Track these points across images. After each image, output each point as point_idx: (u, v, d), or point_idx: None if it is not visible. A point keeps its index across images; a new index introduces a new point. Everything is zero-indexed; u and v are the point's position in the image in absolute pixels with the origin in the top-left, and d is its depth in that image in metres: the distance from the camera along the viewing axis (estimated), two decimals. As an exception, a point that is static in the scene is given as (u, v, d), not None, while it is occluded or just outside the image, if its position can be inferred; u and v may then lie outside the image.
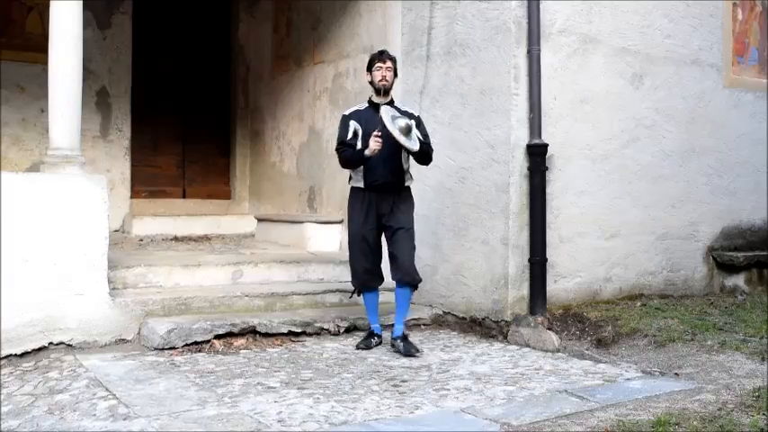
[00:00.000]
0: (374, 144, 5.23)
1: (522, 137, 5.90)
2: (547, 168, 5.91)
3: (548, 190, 5.93)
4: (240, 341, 5.42)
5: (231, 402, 4.06)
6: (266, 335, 5.56)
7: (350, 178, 5.56)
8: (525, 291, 5.88)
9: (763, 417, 3.76)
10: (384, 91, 5.48)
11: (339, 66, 7.93)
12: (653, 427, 3.63)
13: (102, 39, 9.02)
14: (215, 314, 5.69)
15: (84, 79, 5.81)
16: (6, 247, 5.02)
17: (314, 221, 7.65)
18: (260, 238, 8.53)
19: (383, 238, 5.54)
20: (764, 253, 7.30)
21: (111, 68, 9.12)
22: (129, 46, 9.23)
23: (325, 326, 5.80)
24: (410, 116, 5.43)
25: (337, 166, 7.72)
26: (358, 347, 5.39)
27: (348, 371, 4.77)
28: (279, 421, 3.76)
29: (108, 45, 9.08)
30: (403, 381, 4.60)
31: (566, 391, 4.38)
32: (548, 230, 5.91)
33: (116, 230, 8.76)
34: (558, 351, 5.42)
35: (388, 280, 5.56)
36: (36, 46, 8.09)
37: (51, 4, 5.45)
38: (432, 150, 5.51)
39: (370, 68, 5.55)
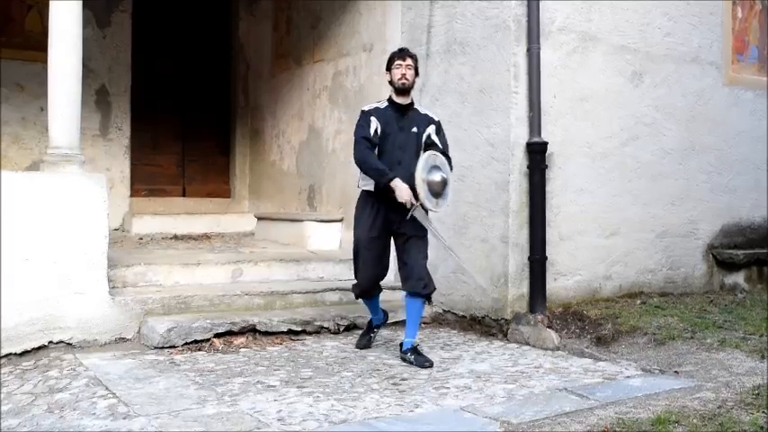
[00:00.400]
0: (404, 197, 4.89)
1: (521, 135, 5.90)
2: (546, 166, 5.91)
3: (547, 188, 5.93)
4: (240, 340, 5.43)
5: (231, 401, 4.06)
6: (266, 333, 5.56)
7: (359, 179, 5.23)
8: (525, 289, 5.88)
9: (763, 414, 3.76)
10: (404, 90, 5.15)
11: (339, 64, 7.92)
12: (653, 425, 3.63)
13: (101, 37, 9.02)
14: (215, 313, 5.69)
15: (84, 78, 5.80)
16: (6, 246, 5.02)
17: (314, 220, 7.65)
18: (260, 236, 8.53)
19: (392, 247, 5.25)
20: (764, 251, 7.30)
21: (111, 67, 9.12)
22: (128, 44, 9.23)
23: (325, 324, 5.80)
24: (430, 121, 5.19)
25: (337, 165, 7.77)
26: (358, 347, 5.35)
27: (348, 369, 4.78)
28: (279, 420, 3.77)
29: (108, 44, 9.08)
30: (403, 379, 4.61)
31: (565, 389, 4.38)
32: (547, 228, 5.91)
33: (116, 229, 8.77)
34: (558, 349, 5.42)
35: (389, 278, 5.54)
36: (36, 44, 8.08)
37: (51, 2, 5.44)
38: (451, 160, 5.22)
39: (389, 67, 5.22)
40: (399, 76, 5.14)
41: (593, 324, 5.70)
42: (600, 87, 6.35)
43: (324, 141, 8.14)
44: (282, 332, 5.62)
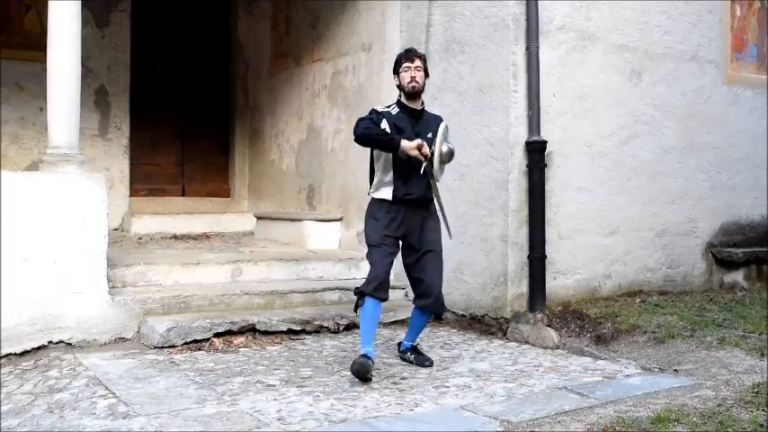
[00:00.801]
0: (415, 154, 4.61)
1: (520, 134, 5.90)
2: (546, 165, 5.91)
3: (547, 187, 5.93)
4: (240, 339, 5.42)
5: (231, 400, 4.06)
6: (266, 333, 5.56)
7: (370, 186, 4.92)
8: (524, 288, 5.88)
9: (763, 413, 3.77)
10: (415, 94, 4.83)
11: (338, 63, 7.92)
12: (652, 423, 3.63)
13: (100, 37, 9.02)
14: (214, 312, 5.69)
15: (83, 78, 5.80)
16: (6, 246, 5.02)
17: (313, 219, 7.65)
18: (259, 236, 8.53)
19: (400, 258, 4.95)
20: (764, 249, 7.31)
21: (110, 67, 9.12)
22: (127, 44, 9.23)
23: (325, 324, 5.80)
24: (439, 121, 4.91)
25: (336, 164, 7.77)
26: (357, 372, 4.45)
27: (348, 369, 4.76)
28: (278, 419, 3.77)
29: (107, 43, 9.08)
30: (402, 378, 4.61)
31: (565, 387, 4.38)
32: (547, 227, 5.91)
33: (115, 229, 8.77)
34: (558, 348, 5.42)
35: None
36: (35, 44, 8.08)
37: (50, 2, 5.44)
38: None
39: (396, 70, 4.89)
40: (408, 80, 4.81)
41: (592, 323, 5.70)
42: (599, 86, 6.35)
43: (323, 141, 8.14)
44: (282, 331, 5.61)
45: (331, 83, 8.03)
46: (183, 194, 9.78)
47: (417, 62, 4.85)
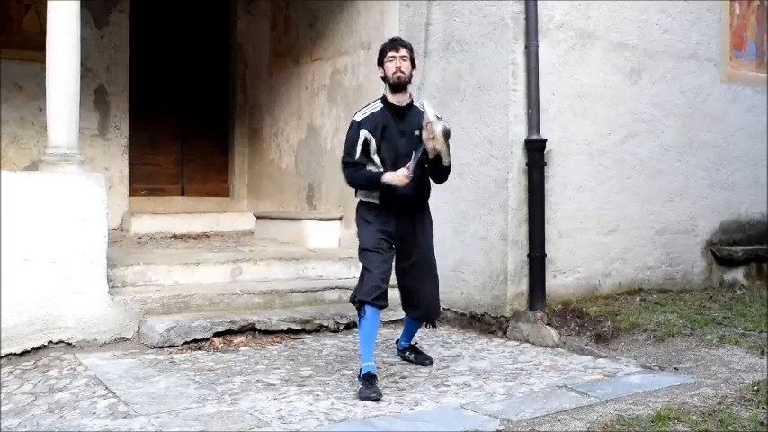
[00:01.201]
0: (402, 180, 4.33)
1: (520, 132, 5.89)
2: (545, 164, 5.91)
3: (546, 185, 5.93)
4: (240, 339, 5.43)
5: (231, 400, 4.06)
6: (266, 332, 5.56)
7: (356, 190, 4.70)
8: (524, 286, 5.88)
9: (763, 410, 3.77)
10: (401, 85, 4.53)
11: (337, 63, 7.92)
12: (652, 421, 3.64)
13: (99, 37, 9.01)
14: (214, 312, 5.69)
15: (83, 77, 5.80)
16: (6, 245, 5.01)
17: (313, 218, 7.65)
18: (259, 235, 8.53)
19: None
20: (763, 247, 7.31)
21: (110, 67, 9.11)
22: (126, 44, 9.23)
23: (325, 323, 5.80)
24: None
25: (336, 164, 7.72)
26: (369, 398, 4.10)
27: (348, 368, 4.77)
28: (279, 418, 3.77)
29: (106, 43, 9.07)
30: (402, 377, 4.61)
31: (565, 386, 4.39)
32: (546, 226, 5.91)
33: (115, 229, 8.77)
34: (558, 346, 5.42)
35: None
36: (34, 44, 8.08)
37: (49, 2, 5.44)
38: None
39: (381, 61, 4.58)
40: (393, 70, 4.50)
41: (592, 321, 5.70)
42: (598, 84, 6.35)
43: (322, 140, 8.14)
44: (282, 331, 5.62)
45: (330, 82, 8.03)
46: (183, 194, 9.78)
47: (403, 51, 4.54)
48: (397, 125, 4.54)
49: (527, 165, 5.89)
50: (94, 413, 3.90)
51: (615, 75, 6.45)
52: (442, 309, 6.23)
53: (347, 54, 7.74)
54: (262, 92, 9.59)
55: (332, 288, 6.35)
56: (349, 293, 5.55)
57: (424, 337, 5.69)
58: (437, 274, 4.80)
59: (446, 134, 4.33)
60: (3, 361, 4.92)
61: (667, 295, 6.47)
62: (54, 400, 4.17)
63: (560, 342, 5.47)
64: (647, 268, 6.65)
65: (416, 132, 4.45)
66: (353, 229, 7.24)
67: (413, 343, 5.09)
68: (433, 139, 4.30)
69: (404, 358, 5.04)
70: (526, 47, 5.90)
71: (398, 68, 4.49)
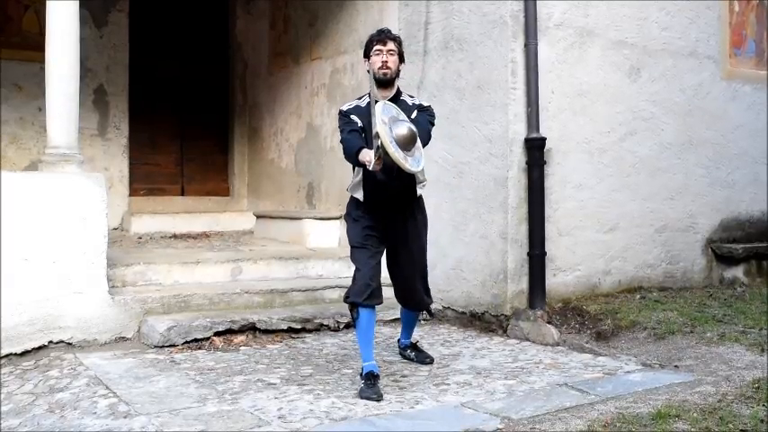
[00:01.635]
0: (366, 160, 4.10)
1: (519, 131, 5.89)
2: (545, 162, 5.91)
3: (546, 184, 5.93)
4: (240, 338, 5.43)
5: (231, 399, 4.06)
6: (266, 331, 5.56)
7: (350, 184, 4.60)
8: (524, 285, 5.88)
9: (763, 408, 3.77)
10: (387, 81, 4.37)
11: (336, 62, 7.92)
12: (653, 419, 3.64)
13: (99, 37, 9.01)
14: (214, 311, 5.69)
15: (82, 77, 5.80)
16: (6, 246, 5.02)
17: (313, 218, 7.65)
18: (259, 234, 8.53)
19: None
20: (763, 245, 7.31)
21: (109, 66, 9.10)
22: (126, 44, 9.22)
23: (325, 322, 5.79)
24: (420, 107, 4.49)
25: (336, 163, 7.76)
26: (370, 398, 4.08)
27: (348, 366, 4.78)
28: (279, 417, 3.77)
29: (105, 43, 9.07)
30: (403, 376, 4.61)
31: (566, 384, 4.39)
32: (546, 224, 5.92)
33: (115, 228, 8.76)
34: (558, 345, 5.42)
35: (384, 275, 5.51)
36: (33, 44, 8.07)
37: (48, 2, 5.43)
38: (429, 137, 4.46)
39: (367, 54, 4.40)
40: (380, 65, 4.32)
41: (592, 319, 5.71)
42: (598, 82, 6.34)
43: (322, 139, 8.14)
44: (282, 330, 5.61)
45: (330, 81, 8.03)
46: (183, 194, 9.77)
47: (391, 45, 4.36)
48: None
49: (527, 163, 5.89)
50: (95, 413, 3.90)
51: (614, 73, 6.45)
52: (442, 307, 6.30)
53: (346, 53, 7.74)
54: (261, 91, 9.59)
55: (332, 287, 6.35)
56: (350, 292, 5.55)
57: (425, 336, 5.69)
58: (426, 272, 4.73)
59: (404, 140, 4.03)
60: (3, 361, 4.93)
61: (667, 293, 6.47)
62: (55, 399, 4.17)
63: (561, 340, 5.47)
64: (647, 266, 6.65)
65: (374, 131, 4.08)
66: (353, 228, 7.27)
67: (414, 341, 5.09)
68: (386, 155, 4.00)
69: (404, 357, 5.04)
70: (525, 45, 5.90)
71: (384, 63, 4.34)
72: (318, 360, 4.96)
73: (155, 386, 4.32)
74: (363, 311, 4.33)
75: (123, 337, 5.40)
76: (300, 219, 7.74)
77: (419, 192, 4.54)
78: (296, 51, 8.75)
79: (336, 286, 6.34)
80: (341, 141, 4.43)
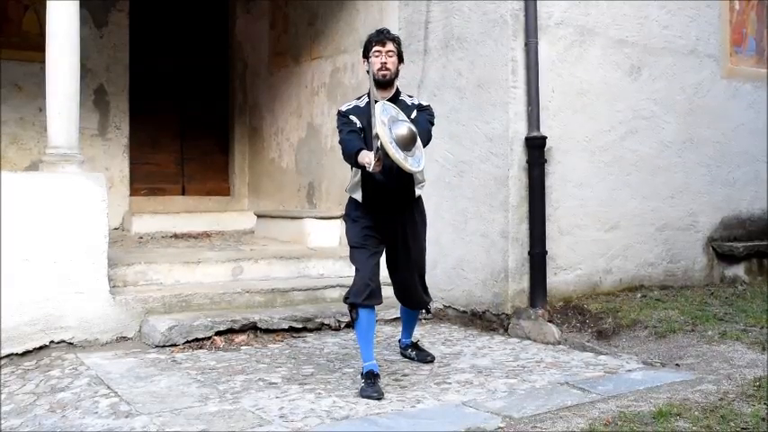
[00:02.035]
0: (366, 161, 4.08)
1: (520, 130, 5.89)
2: (546, 161, 5.91)
3: (547, 182, 5.93)
4: (241, 337, 5.43)
5: (233, 398, 4.06)
6: (267, 331, 5.56)
7: (348, 184, 4.61)
8: (525, 283, 5.88)
9: (764, 406, 3.77)
10: (386, 82, 4.38)
11: (337, 61, 7.92)
12: (654, 418, 3.64)
13: (98, 37, 9.00)
14: (215, 311, 5.69)
15: (82, 77, 5.79)
16: (6, 246, 5.02)
17: (313, 217, 7.65)
18: (259, 234, 8.52)
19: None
20: (764, 243, 7.30)
21: (109, 66, 9.10)
22: (126, 43, 9.21)
23: (326, 321, 5.80)
24: (420, 107, 4.49)
25: (336, 162, 7.75)
26: (371, 397, 4.09)
27: (349, 366, 4.78)
28: (281, 417, 3.77)
29: (105, 43, 9.06)
30: (404, 375, 4.61)
31: (567, 383, 4.39)
32: (547, 223, 5.92)
33: (115, 228, 8.76)
34: (559, 343, 5.42)
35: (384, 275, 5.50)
36: (33, 45, 8.07)
37: (48, 2, 5.44)
38: (429, 137, 4.44)
39: (366, 54, 4.39)
40: (379, 66, 4.32)
41: (593, 318, 5.71)
42: (598, 81, 6.34)
43: (323, 138, 8.14)
44: (283, 329, 5.62)
45: (330, 80, 8.03)
46: (183, 193, 9.77)
47: (390, 46, 4.36)
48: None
49: (527, 162, 5.89)
50: (96, 413, 3.90)
51: (615, 71, 6.45)
52: (443, 306, 6.31)
53: (347, 52, 7.73)
54: (261, 91, 9.59)
55: (333, 286, 6.34)
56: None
57: (426, 335, 5.69)
58: (424, 272, 4.75)
59: (404, 140, 4.04)
60: (5, 361, 4.93)
61: (668, 292, 6.46)
62: (56, 399, 4.17)
63: (561, 339, 5.47)
64: (647, 265, 6.65)
65: (374, 133, 4.07)
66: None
67: (414, 341, 5.09)
68: (386, 156, 4.01)
69: (405, 356, 5.04)
70: (526, 44, 5.90)
71: (384, 65, 4.35)
72: (319, 359, 4.97)
73: (156, 386, 4.32)
74: (363, 312, 4.34)
75: (124, 337, 5.40)
76: (301, 218, 7.74)
77: (418, 192, 4.54)
78: (296, 51, 8.75)
79: (337, 285, 6.34)
80: (340, 142, 4.44)
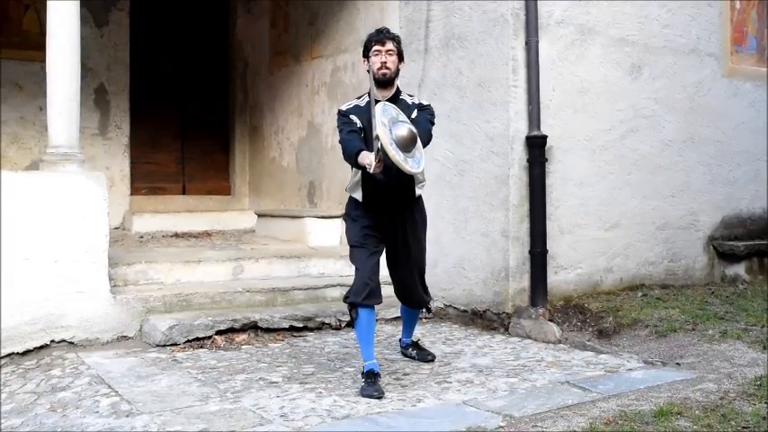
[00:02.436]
0: (366, 163, 4.08)
1: (521, 129, 5.89)
2: (546, 160, 5.91)
3: (547, 181, 5.93)
4: (242, 337, 5.43)
5: (233, 398, 4.07)
6: (268, 330, 5.56)
7: (348, 184, 4.60)
8: (526, 283, 5.88)
9: (765, 405, 3.77)
10: (386, 81, 4.37)
11: (337, 60, 7.92)
12: (655, 417, 3.64)
13: (99, 36, 9.00)
14: (216, 310, 5.69)
15: (83, 77, 5.79)
16: (7, 245, 5.02)
17: (314, 216, 7.64)
18: (260, 233, 8.52)
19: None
20: (765, 242, 7.30)
21: (110, 66, 9.10)
22: (126, 43, 9.21)
23: (327, 320, 5.80)
24: (417, 107, 4.48)
25: (337, 161, 7.75)
26: (371, 396, 4.09)
27: (350, 365, 4.78)
28: (281, 416, 3.77)
29: (105, 42, 9.06)
30: (405, 374, 4.61)
31: (567, 382, 4.39)
32: (548, 222, 5.91)
33: (116, 228, 8.76)
34: (560, 342, 5.43)
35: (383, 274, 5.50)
36: (34, 44, 8.06)
37: (49, 2, 5.44)
38: (429, 137, 4.44)
39: (366, 53, 4.38)
40: (379, 65, 4.31)
41: (594, 317, 5.70)
42: (599, 80, 6.34)
43: (323, 137, 8.14)
44: (284, 329, 5.62)
45: (331, 80, 8.03)
46: (184, 192, 9.77)
47: (389, 45, 4.35)
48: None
49: (528, 161, 5.89)
50: (97, 412, 3.90)
51: (616, 70, 6.45)
52: (443, 305, 6.31)
53: (347, 52, 7.73)
54: (262, 90, 9.59)
55: (333, 285, 6.35)
56: (351, 291, 5.54)
57: (426, 334, 5.69)
58: (424, 272, 4.75)
59: (403, 141, 4.05)
60: (5, 360, 4.93)
61: (669, 291, 6.46)
62: (57, 399, 4.17)
63: (562, 338, 5.47)
64: (648, 264, 6.64)
65: (375, 134, 4.06)
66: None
67: (415, 340, 5.10)
68: (387, 157, 4.02)
69: (406, 355, 5.04)
70: (526, 43, 5.90)
71: (384, 64, 4.34)
72: (320, 359, 4.97)
73: (157, 385, 4.32)
74: (363, 311, 4.34)
75: (125, 336, 5.40)
76: (302, 217, 7.74)
77: (418, 192, 4.54)
78: (296, 50, 8.75)
79: (338, 285, 6.34)
80: (340, 142, 4.45)
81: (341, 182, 7.67)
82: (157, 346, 5.21)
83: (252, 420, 3.71)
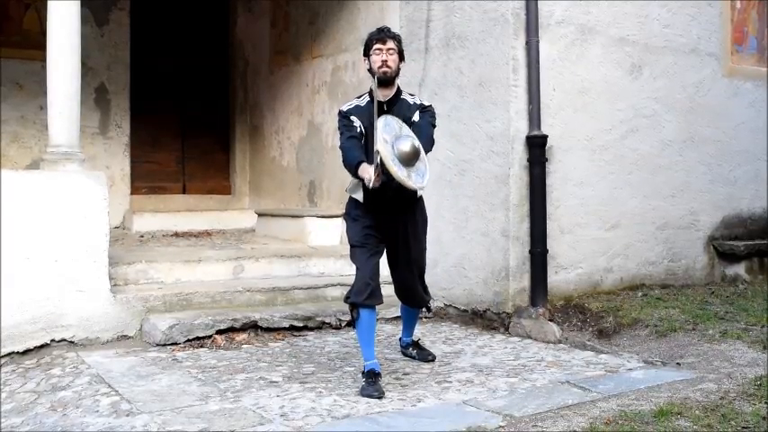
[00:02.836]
0: (366, 177, 4.08)
1: (521, 128, 5.89)
2: (546, 160, 5.91)
3: (548, 181, 5.93)
4: (242, 336, 5.43)
5: (234, 397, 4.07)
6: (268, 329, 5.56)
7: (348, 185, 4.58)
8: (526, 282, 5.88)
9: (765, 405, 3.77)
10: (387, 80, 4.34)
11: (337, 59, 7.92)
12: (655, 416, 3.64)
13: (99, 35, 9.01)
14: (216, 309, 5.69)
15: (83, 76, 5.80)
16: (7, 244, 5.02)
17: (314, 216, 7.65)
18: (260, 232, 8.53)
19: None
20: (765, 242, 7.30)
21: (110, 65, 9.10)
22: (127, 42, 9.22)
23: (327, 320, 5.80)
24: (419, 108, 4.47)
25: (337, 161, 7.71)
26: (371, 396, 4.09)
27: (350, 364, 4.78)
28: (281, 415, 3.77)
29: (106, 41, 9.07)
30: (405, 374, 4.61)
31: (567, 382, 4.39)
32: (548, 222, 5.91)
33: (116, 227, 8.76)
34: (560, 342, 5.42)
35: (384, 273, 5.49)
36: (34, 43, 8.07)
37: (49, 1, 5.44)
38: (432, 143, 4.44)
39: (367, 52, 4.37)
40: (380, 64, 4.29)
41: (594, 317, 5.70)
42: (599, 80, 6.34)
43: (324, 137, 8.14)
44: (284, 328, 5.62)
45: (331, 79, 8.03)
46: (184, 192, 9.77)
47: (390, 44, 4.33)
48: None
49: (528, 161, 5.88)
50: (97, 411, 3.90)
51: (616, 70, 6.45)
52: (444, 305, 6.31)
53: (348, 51, 7.73)
54: (262, 89, 9.59)
55: (334, 285, 6.35)
56: (351, 290, 5.54)
57: (427, 334, 5.69)
58: (424, 272, 4.76)
59: (406, 157, 4.05)
60: (6, 359, 4.93)
61: (669, 290, 6.46)
62: (57, 398, 4.18)
63: (562, 338, 5.47)
64: (648, 263, 6.64)
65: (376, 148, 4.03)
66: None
67: (415, 339, 5.09)
68: (388, 173, 4.01)
69: (406, 355, 5.04)
70: (527, 42, 5.89)
71: (384, 63, 4.31)
72: (320, 358, 4.97)
73: (157, 384, 4.32)
74: (363, 311, 4.34)
75: (125, 336, 5.41)
76: (302, 217, 7.74)
77: (419, 193, 4.52)
78: (297, 49, 8.75)
79: (338, 284, 6.34)
80: (340, 147, 4.44)
81: (341, 181, 7.67)
82: (157, 345, 5.21)
83: (252, 420, 3.71)
